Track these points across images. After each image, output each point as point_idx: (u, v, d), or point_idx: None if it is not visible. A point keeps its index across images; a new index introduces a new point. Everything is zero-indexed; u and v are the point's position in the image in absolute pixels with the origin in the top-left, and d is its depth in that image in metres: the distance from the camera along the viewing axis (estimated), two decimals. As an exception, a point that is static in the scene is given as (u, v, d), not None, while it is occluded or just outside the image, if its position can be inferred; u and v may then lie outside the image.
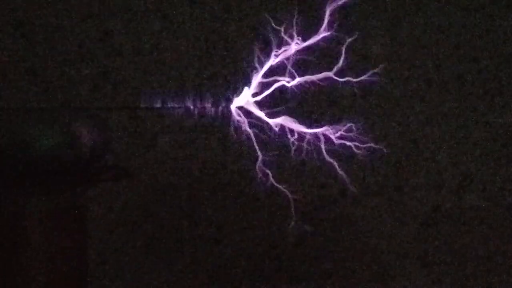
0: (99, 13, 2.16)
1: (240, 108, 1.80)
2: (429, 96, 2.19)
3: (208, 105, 1.79)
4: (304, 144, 1.89)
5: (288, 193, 1.77)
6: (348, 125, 1.88)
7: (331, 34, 2.10)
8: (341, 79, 1.83)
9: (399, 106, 2.19)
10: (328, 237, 2.19)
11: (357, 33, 2.00)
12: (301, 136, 1.89)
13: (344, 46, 1.79)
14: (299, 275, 2.20)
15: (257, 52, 1.92)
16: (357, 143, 1.86)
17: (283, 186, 2.20)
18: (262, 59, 1.89)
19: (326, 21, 1.83)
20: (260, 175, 1.88)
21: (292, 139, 1.88)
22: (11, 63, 2.16)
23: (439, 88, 2.19)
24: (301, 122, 2.19)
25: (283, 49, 1.84)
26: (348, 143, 1.84)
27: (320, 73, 1.94)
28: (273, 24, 1.84)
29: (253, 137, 1.81)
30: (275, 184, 1.84)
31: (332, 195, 2.19)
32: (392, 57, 2.18)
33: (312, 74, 2.01)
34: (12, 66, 2.16)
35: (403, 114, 2.19)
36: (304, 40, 2.08)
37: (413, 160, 2.19)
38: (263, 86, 1.82)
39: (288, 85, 1.81)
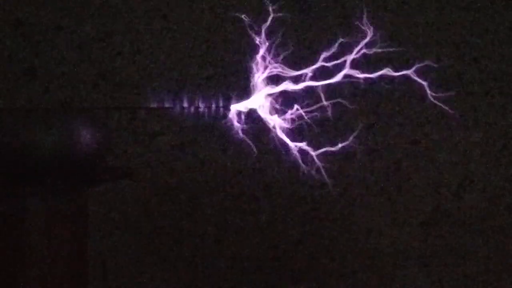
0: (99, 13, 2.16)
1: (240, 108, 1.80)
2: (429, 96, 2.19)
3: (208, 105, 1.79)
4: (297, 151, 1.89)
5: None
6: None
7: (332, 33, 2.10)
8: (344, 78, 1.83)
9: (399, 106, 2.19)
10: (328, 237, 2.19)
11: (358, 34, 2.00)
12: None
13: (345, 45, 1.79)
14: (299, 275, 2.20)
15: (258, 52, 1.92)
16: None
17: (283, 185, 2.20)
18: (263, 59, 1.89)
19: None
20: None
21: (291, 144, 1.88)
22: (11, 63, 2.16)
23: (439, 88, 2.19)
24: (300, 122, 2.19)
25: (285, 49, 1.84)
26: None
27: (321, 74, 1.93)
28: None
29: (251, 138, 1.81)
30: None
31: (332, 195, 2.19)
32: (392, 57, 2.18)
33: (313, 74, 2.00)
34: (12, 66, 2.16)
35: (403, 114, 2.19)
36: (303, 40, 2.08)
37: (413, 160, 2.19)
38: (265, 88, 1.82)
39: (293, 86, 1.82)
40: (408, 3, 2.18)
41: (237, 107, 1.77)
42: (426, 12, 2.18)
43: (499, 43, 2.19)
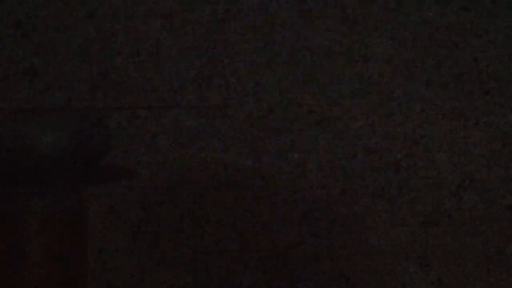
0: (99, 13, 2.16)
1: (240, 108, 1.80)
2: (429, 96, 2.19)
3: (208, 105, 1.79)
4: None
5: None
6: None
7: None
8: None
9: (399, 106, 2.19)
10: (328, 237, 2.19)
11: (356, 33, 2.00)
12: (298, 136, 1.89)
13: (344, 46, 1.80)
14: (299, 275, 2.20)
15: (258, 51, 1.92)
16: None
17: (283, 183, 2.20)
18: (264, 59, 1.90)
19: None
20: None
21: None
22: (11, 63, 2.16)
23: (439, 88, 2.20)
24: (301, 123, 2.19)
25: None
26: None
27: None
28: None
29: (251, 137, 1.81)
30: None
31: (332, 195, 2.19)
32: (392, 57, 2.18)
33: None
34: (12, 66, 2.16)
35: (403, 114, 2.19)
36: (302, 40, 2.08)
37: (413, 160, 2.19)
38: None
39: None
40: (408, 3, 2.18)
41: (237, 107, 1.78)
42: (426, 12, 2.18)
43: (499, 43, 2.19)
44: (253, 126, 2.17)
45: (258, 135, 2.17)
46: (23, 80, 2.16)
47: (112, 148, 2.12)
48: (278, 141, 2.18)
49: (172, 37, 2.17)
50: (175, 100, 2.16)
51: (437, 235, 2.21)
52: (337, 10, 2.18)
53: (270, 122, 2.17)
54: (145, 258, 2.19)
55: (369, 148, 2.20)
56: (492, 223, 2.22)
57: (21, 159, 1.49)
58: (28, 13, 2.15)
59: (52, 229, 1.54)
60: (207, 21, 2.17)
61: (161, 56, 2.16)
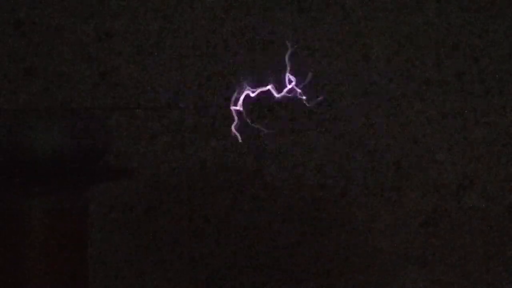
0: (99, 13, 2.16)
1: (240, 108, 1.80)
2: (429, 96, 2.19)
3: (208, 105, 1.79)
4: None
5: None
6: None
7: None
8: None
9: (399, 106, 2.19)
10: (328, 237, 2.19)
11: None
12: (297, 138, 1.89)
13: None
14: (299, 275, 2.20)
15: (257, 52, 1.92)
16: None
17: (283, 183, 2.20)
18: (262, 60, 1.90)
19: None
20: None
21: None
22: (11, 63, 2.16)
23: (439, 88, 2.20)
24: (301, 123, 2.19)
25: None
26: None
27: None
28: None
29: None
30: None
31: (332, 195, 2.19)
32: (392, 57, 2.18)
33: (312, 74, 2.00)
34: (12, 66, 2.16)
35: (403, 114, 2.19)
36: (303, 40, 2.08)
37: (413, 160, 2.19)
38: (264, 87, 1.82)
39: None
40: (408, 3, 2.18)
41: (236, 108, 1.77)
42: (426, 12, 2.18)
43: (499, 43, 2.19)
44: (253, 126, 2.17)
45: (259, 135, 2.16)
46: (23, 80, 2.16)
47: (112, 148, 2.12)
48: (278, 141, 2.18)
49: (172, 37, 2.17)
50: (175, 100, 2.16)
51: (437, 235, 2.21)
52: (337, 10, 2.17)
53: (270, 122, 2.17)
54: (145, 258, 2.19)
55: (369, 148, 2.20)
56: (492, 223, 2.21)
57: (21, 159, 1.49)
58: (28, 13, 2.15)
59: (52, 229, 1.54)
60: (207, 21, 2.17)
61: (161, 56, 2.16)
